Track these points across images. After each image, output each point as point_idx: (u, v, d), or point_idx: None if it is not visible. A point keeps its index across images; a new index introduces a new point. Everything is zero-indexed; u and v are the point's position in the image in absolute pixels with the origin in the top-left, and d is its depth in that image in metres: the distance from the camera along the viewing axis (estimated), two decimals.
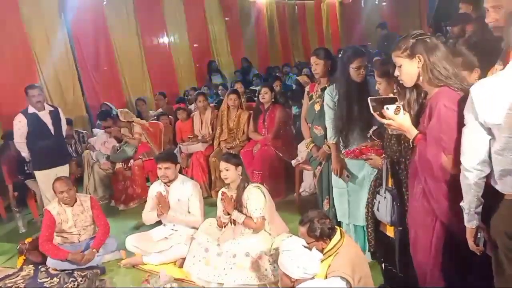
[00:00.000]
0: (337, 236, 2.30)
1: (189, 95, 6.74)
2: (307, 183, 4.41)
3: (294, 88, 6.13)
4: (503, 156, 1.52)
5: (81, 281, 3.12)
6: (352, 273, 2.17)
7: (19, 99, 4.42)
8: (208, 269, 2.91)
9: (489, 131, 1.55)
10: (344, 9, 13.42)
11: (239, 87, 5.94)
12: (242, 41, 10.02)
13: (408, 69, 1.84)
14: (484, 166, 1.59)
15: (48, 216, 3.31)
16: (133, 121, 5.12)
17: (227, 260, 2.86)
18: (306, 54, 10.96)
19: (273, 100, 4.55)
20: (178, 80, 8.23)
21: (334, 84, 2.91)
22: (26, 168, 4.50)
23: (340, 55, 3.02)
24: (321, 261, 2.26)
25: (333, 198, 3.18)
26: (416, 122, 1.90)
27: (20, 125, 4.02)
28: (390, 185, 2.25)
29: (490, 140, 1.57)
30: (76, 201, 3.40)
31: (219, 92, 6.87)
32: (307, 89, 3.41)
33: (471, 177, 1.61)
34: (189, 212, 3.37)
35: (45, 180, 4.00)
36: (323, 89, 3.09)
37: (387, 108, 1.82)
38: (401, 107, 1.83)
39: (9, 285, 3.18)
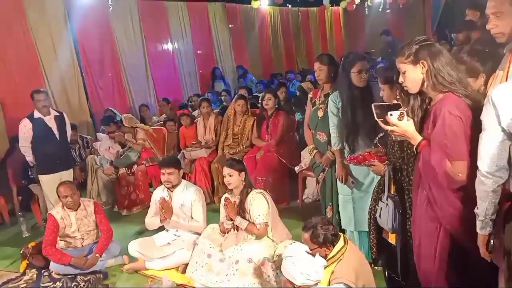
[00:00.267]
0: (340, 243, 2.30)
1: (192, 101, 6.77)
2: (310, 190, 4.40)
3: (297, 94, 6.14)
4: None
5: (84, 285, 3.13)
6: (356, 279, 2.16)
7: (25, 104, 4.45)
8: (211, 275, 2.90)
9: (510, 136, 1.52)
10: (348, 16, 13.46)
11: (243, 92, 5.96)
12: (246, 48, 10.08)
13: (412, 75, 1.84)
14: (503, 172, 1.56)
15: (51, 220, 3.32)
16: (137, 127, 5.15)
17: (230, 266, 2.85)
18: (310, 61, 10.99)
19: (276, 106, 4.56)
20: (181, 87, 8.27)
21: (338, 91, 2.92)
22: (30, 172, 4.53)
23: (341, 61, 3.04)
24: (325, 268, 2.25)
25: (336, 205, 3.18)
26: (420, 128, 1.90)
27: (25, 130, 4.06)
28: (392, 192, 2.24)
29: (510, 145, 1.54)
30: (79, 205, 3.42)
31: (222, 98, 6.90)
32: (310, 95, 3.42)
33: (489, 183, 1.58)
34: (192, 218, 3.37)
35: (49, 184, 4.02)
36: (326, 95, 3.09)
37: (391, 115, 1.81)
38: (405, 113, 1.83)
39: None
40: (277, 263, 2.70)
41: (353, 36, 13.56)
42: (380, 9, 11.45)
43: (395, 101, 2.07)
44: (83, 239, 3.42)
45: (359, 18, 12.70)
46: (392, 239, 2.31)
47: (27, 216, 4.55)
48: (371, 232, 2.46)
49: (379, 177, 2.52)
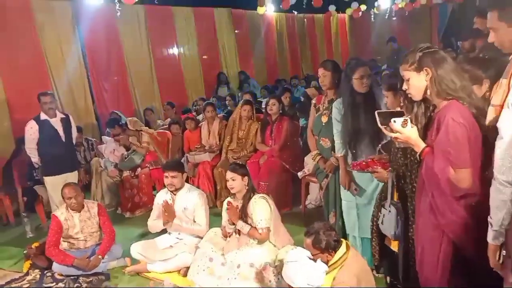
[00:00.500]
0: (342, 249, 2.29)
1: (197, 105, 6.81)
2: (313, 196, 4.39)
3: (302, 100, 6.15)
4: None
5: (86, 286, 3.14)
6: (357, 286, 2.15)
7: (32, 106, 4.50)
8: (212, 278, 2.90)
9: None
10: (353, 23, 13.50)
11: (248, 98, 5.98)
12: (251, 53, 10.13)
13: (416, 82, 1.84)
14: None
15: (55, 221, 3.34)
16: (141, 130, 5.19)
17: (231, 270, 2.85)
18: (315, 67, 11.00)
19: (280, 111, 4.57)
20: (186, 91, 8.32)
21: (341, 97, 2.93)
22: (35, 174, 4.56)
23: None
24: (326, 274, 2.24)
25: (339, 211, 3.17)
26: (424, 135, 1.89)
27: (31, 131, 4.10)
28: (395, 199, 2.24)
29: None
30: (83, 207, 3.44)
31: (227, 102, 6.93)
32: (313, 101, 3.43)
33: (508, 192, 1.54)
34: (195, 221, 3.38)
35: (54, 185, 4.05)
36: (330, 101, 3.10)
37: (394, 121, 1.82)
38: (408, 120, 1.83)
39: None
40: (278, 268, 2.70)
41: (359, 43, 13.59)
42: (386, 17, 11.49)
43: (398, 108, 2.08)
44: (86, 240, 3.44)
45: (365, 25, 12.74)
46: (394, 246, 2.30)
47: (31, 217, 4.57)
48: (374, 239, 2.46)
49: (382, 184, 2.52)
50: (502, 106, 1.69)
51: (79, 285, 3.15)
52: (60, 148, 4.16)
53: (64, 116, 4.29)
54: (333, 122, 2.97)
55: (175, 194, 3.43)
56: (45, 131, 4.10)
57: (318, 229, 2.28)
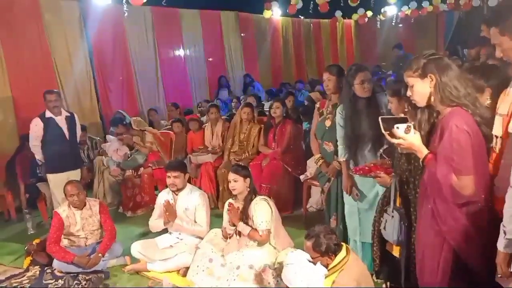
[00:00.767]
0: (342, 253, 2.29)
1: (201, 107, 6.83)
2: (315, 199, 4.39)
3: (306, 104, 6.16)
4: None
5: (85, 284, 3.14)
6: None
7: (38, 104, 4.53)
8: (211, 279, 2.90)
9: None
10: (359, 29, 13.52)
11: (252, 100, 6.00)
12: (256, 57, 10.16)
13: (420, 89, 1.84)
14: None
15: (57, 218, 3.35)
16: (145, 130, 5.21)
17: (231, 271, 2.85)
18: (320, 72, 11.02)
19: (284, 115, 4.58)
20: (191, 93, 8.35)
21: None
22: (38, 171, 4.58)
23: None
24: (326, 277, 2.24)
25: (340, 215, 3.17)
26: (427, 141, 1.89)
27: (36, 129, 4.12)
28: (398, 204, 2.23)
29: None
30: (85, 205, 3.45)
31: (233, 105, 6.94)
32: (317, 105, 3.44)
33: None
34: (196, 222, 3.38)
35: (56, 183, 4.07)
36: (334, 106, 3.11)
37: (397, 128, 1.82)
38: (412, 127, 1.83)
39: (14, 284, 3.22)
40: (278, 270, 2.69)
41: (365, 49, 13.61)
42: (393, 23, 11.50)
43: (402, 115, 2.08)
44: (86, 238, 3.45)
45: (371, 31, 12.76)
46: (395, 251, 2.29)
47: (33, 213, 4.59)
48: (375, 244, 2.45)
49: (383, 191, 2.51)
50: (509, 115, 1.69)
51: (78, 282, 3.15)
52: (64, 146, 4.18)
53: (69, 115, 4.31)
54: (337, 127, 2.97)
55: (176, 194, 3.44)
56: (50, 129, 4.12)
57: (318, 232, 2.28)
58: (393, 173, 2.28)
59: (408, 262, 2.15)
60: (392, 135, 1.84)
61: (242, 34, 9.70)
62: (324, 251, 2.25)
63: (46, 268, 3.37)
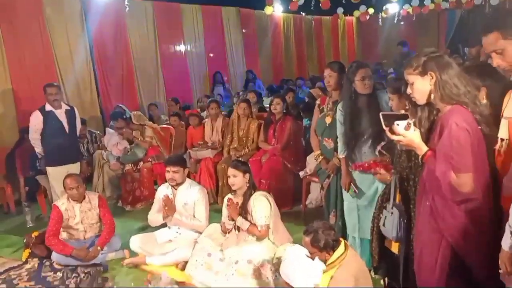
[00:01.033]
0: (340, 249, 2.29)
1: (202, 102, 6.83)
2: (314, 195, 4.40)
3: (306, 100, 6.15)
4: None
5: (83, 277, 3.14)
6: (355, 286, 2.15)
7: (38, 97, 4.53)
8: (210, 273, 2.91)
9: None
10: (361, 26, 13.48)
11: (252, 97, 6.00)
12: (258, 53, 10.14)
13: (420, 87, 1.84)
14: None
15: (56, 211, 3.36)
16: (145, 125, 5.21)
17: (229, 266, 2.86)
18: (321, 69, 11.00)
19: (284, 111, 4.58)
20: (192, 88, 8.34)
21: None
22: (37, 164, 4.59)
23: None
24: (324, 272, 2.25)
25: (339, 211, 3.18)
26: (427, 139, 1.89)
27: (36, 122, 4.12)
28: (398, 201, 2.24)
29: None
30: (84, 198, 3.45)
31: (235, 100, 6.93)
32: (318, 101, 3.44)
33: None
34: (195, 217, 3.39)
35: (56, 176, 4.07)
36: (335, 102, 3.11)
37: (398, 124, 1.82)
38: (412, 124, 1.83)
39: (13, 277, 3.22)
40: (276, 265, 2.70)
41: (366, 46, 13.56)
42: (395, 21, 11.47)
43: (402, 111, 2.08)
44: (85, 231, 3.45)
45: (372, 28, 12.72)
46: (394, 248, 2.30)
47: (32, 206, 4.60)
48: (373, 240, 2.46)
49: (383, 187, 2.52)
50: None
51: (77, 275, 3.16)
52: (63, 139, 4.18)
53: (69, 108, 4.31)
54: (337, 123, 2.97)
55: (176, 189, 3.44)
56: (50, 122, 4.12)
57: (317, 228, 2.28)
58: (393, 170, 2.29)
59: (407, 258, 2.15)
60: (392, 132, 1.85)
61: (243, 30, 9.68)
62: (323, 247, 2.25)
63: (44, 260, 3.37)
